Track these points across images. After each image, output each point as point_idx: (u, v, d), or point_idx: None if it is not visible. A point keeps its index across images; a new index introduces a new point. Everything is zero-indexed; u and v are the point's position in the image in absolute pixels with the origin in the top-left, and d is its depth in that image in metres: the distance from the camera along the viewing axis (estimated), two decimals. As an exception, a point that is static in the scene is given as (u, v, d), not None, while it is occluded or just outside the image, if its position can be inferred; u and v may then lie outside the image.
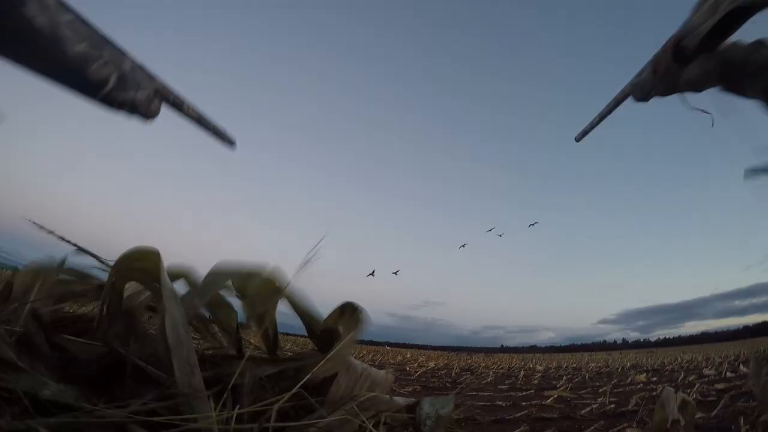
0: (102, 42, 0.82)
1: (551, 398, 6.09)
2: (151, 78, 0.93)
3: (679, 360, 17.55)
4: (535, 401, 5.98)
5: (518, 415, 4.96)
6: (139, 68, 0.90)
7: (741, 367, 10.20)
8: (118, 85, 0.84)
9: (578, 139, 1.49)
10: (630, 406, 5.42)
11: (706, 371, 10.32)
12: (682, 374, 10.27)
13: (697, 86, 1.06)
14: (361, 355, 15.62)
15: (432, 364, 13.24)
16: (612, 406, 5.53)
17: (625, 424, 4.43)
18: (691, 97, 1.11)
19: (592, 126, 1.40)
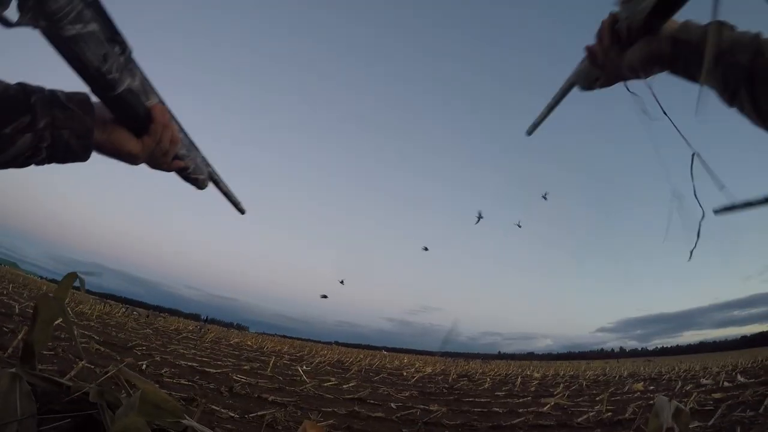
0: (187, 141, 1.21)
1: (548, 405, 6.07)
2: (207, 165, 1.32)
3: (677, 369, 17.51)
4: (532, 408, 5.97)
5: (515, 421, 4.95)
6: (202, 158, 1.29)
7: (738, 377, 10.17)
8: (193, 170, 1.23)
9: (530, 133, 1.43)
10: (627, 415, 5.41)
11: (704, 381, 10.29)
12: (680, 383, 10.25)
13: (643, 71, 0.98)
14: (357, 359, 15.61)
15: (429, 370, 13.20)
16: (609, 414, 5.52)
17: (621, 433, 4.43)
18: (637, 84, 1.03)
19: (542, 118, 1.33)
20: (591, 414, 5.36)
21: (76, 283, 1.73)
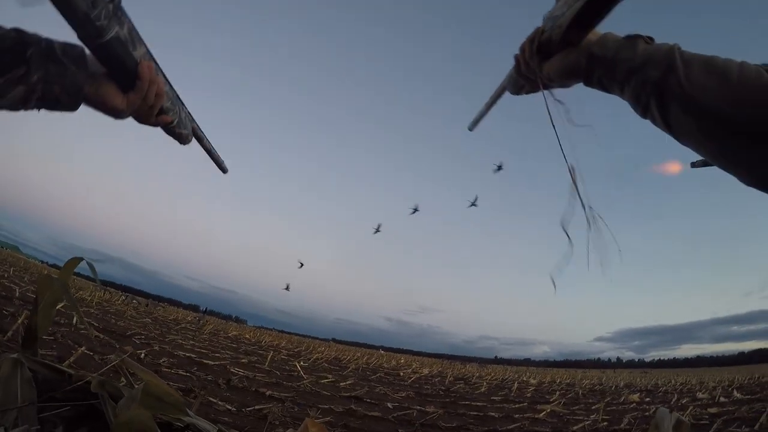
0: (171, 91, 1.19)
1: (544, 412, 6.07)
2: (191, 120, 1.32)
3: (673, 382, 17.50)
4: (528, 414, 5.97)
5: (511, 427, 4.95)
6: (186, 113, 1.29)
7: (735, 393, 10.16)
8: (177, 124, 1.23)
9: (471, 128, 1.46)
10: (623, 425, 5.41)
11: (700, 395, 10.28)
12: (676, 396, 10.26)
13: (561, 82, 1.00)
14: (355, 358, 15.61)
15: (426, 371, 13.21)
16: (605, 423, 5.52)
17: (617, 443, 4.43)
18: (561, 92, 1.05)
19: (481, 116, 1.38)
20: (587, 423, 5.35)
21: (82, 270, 1.73)
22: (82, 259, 1.71)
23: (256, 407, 3.71)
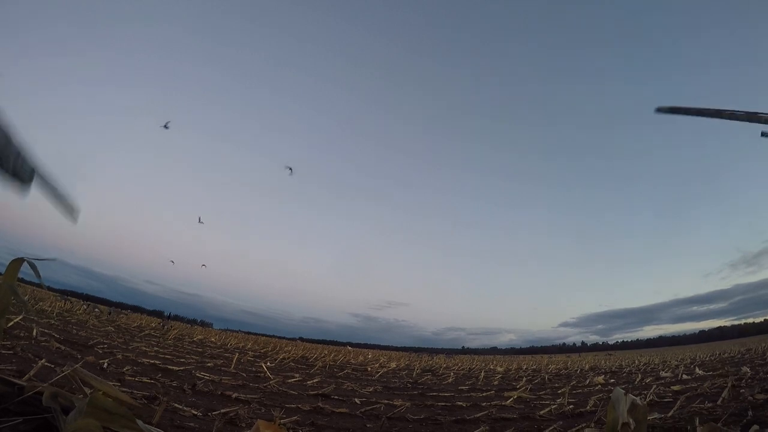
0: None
1: (511, 399, 6.14)
2: (28, 163, 1.15)
3: (637, 362, 17.88)
4: (495, 402, 6.03)
5: (478, 415, 4.99)
6: (17, 154, 1.10)
7: (697, 369, 10.43)
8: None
9: (661, 111, 1.33)
10: (588, 407, 5.50)
11: (663, 373, 10.53)
12: (640, 376, 10.48)
13: None
14: (322, 355, 15.57)
15: (393, 365, 13.24)
16: (571, 406, 5.60)
17: (583, 425, 4.49)
18: None
19: (685, 113, 1.24)
20: (553, 407, 5.43)
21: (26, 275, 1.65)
22: (23, 260, 1.60)
23: (222, 411, 3.68)
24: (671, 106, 0.97)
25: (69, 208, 1.25)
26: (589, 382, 9.75)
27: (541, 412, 5.13)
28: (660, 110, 1.29)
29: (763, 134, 1.17)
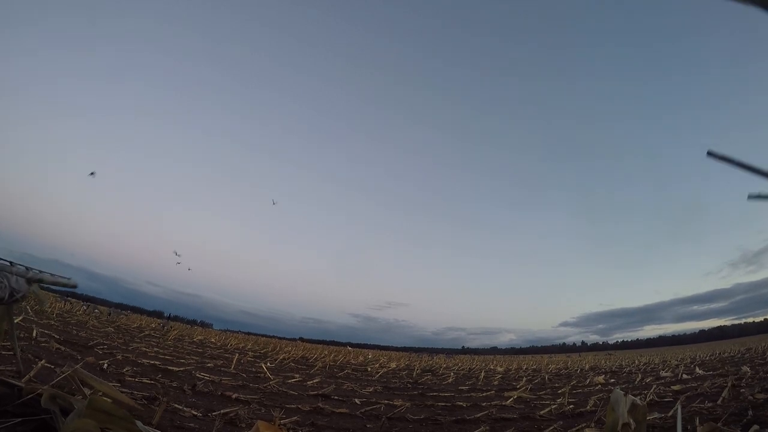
0: None
1: (511, 399, 6.14)
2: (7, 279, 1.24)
3: (637, 362, 17.87)
4: (496, 402, 6.03)
5: (479, 415, 4.99)
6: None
7: (697, 369, 10.42)
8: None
9: (711, 155, 1.28)
10: (588, 407, 5.49)
11: (663, 373, 10.52)
12: (640, 376, 10.47)
13: None
14: (322, 356, 15.56)
15: (393, 365, 13.24)
16: (571, 406, 5.60)
17: (583, 425, 4.49)
18: None
19: (735, 164, 1.18)
20: (553, 407, 5.43)
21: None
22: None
23: (222, 411, 3.68)
24: (723, 154, 0.95)
25: (66, 284, 1.32)
26: (590, 382, 9.75)
27: (541, 412, 5.13)
28: (711, 155, 1.25)
29: (709, 154, 1.15)
